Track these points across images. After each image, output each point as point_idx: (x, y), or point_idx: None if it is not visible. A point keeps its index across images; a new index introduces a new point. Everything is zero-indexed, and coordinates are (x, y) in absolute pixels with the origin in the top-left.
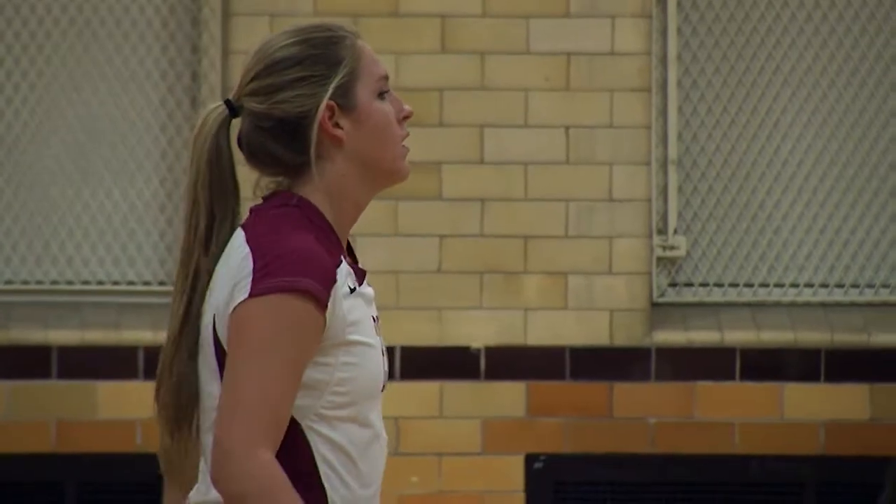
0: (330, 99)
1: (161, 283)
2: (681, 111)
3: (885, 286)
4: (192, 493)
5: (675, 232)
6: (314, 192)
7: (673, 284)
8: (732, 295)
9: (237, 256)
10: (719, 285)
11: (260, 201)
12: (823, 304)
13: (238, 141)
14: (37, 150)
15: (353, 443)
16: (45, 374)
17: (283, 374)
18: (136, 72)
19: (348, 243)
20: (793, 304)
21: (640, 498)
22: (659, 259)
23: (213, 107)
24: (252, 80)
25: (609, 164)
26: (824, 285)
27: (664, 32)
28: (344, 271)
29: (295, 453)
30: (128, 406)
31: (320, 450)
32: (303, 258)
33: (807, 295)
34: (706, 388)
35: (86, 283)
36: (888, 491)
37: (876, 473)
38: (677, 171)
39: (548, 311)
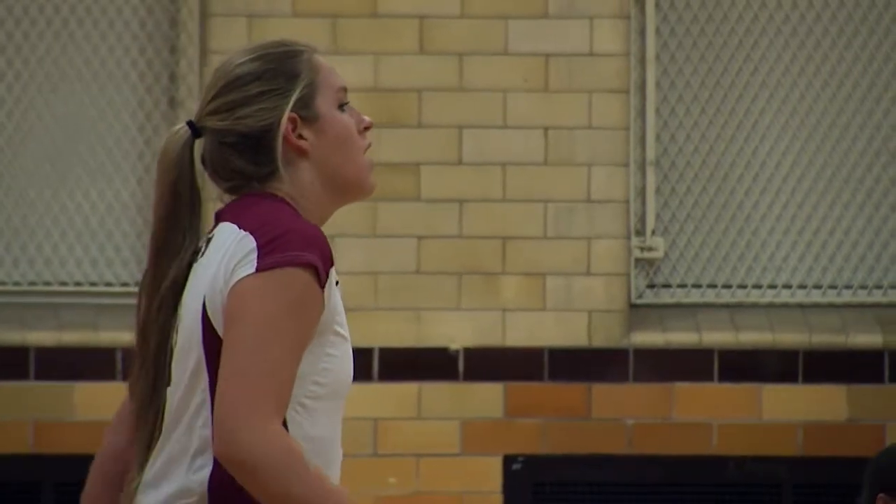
0: (291, 111)
1: (139, 285)
2: (659, 112)
3: (862, 287)
4: (148, 476)
5: (654, 233)
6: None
7: (651, 286)
8: (710, 296)
9: (231, 240)
10: (697, 286)
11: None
12: (801, 306)
13: (202, 159)
14: (14, 151)
15: (324, 439)
16: (22, 375)
17: (290, 348)
18: (113, 72)
19: None
20: (771, 306)
21: (618, 499)
22: (637, 260)
23: (176, 129)
24: (213, 98)
25: (587, 165)
26: (802, 286)
27: (642, 33)
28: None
29: None
30: (105, 407)
31: (299, 441)
32: (307, 237)
33: (785, 296)
34: (684, 389)
35: (63, 284)
36: (866, 492)
37: (854, 474)
38: (655, 172)
39: (526, 312)
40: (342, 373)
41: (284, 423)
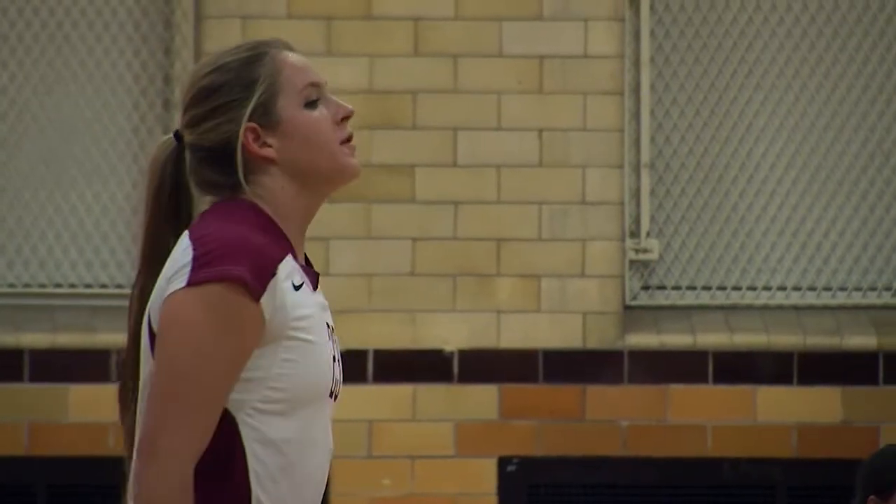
0: (250, 121)
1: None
2: (653, 114)
3: (857, 289)
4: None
5: (648, 235)
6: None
7: (646, 287)
8: (705, 298)
9: (179, 250)
10: (692, 288)
11: None
12: (796, 307)
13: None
14: (9, 153)
15: (290, 442)
16: (16, 377)
17: (214, 372)
18: (108, 74)
19: (305, 255)
20: (765, 307)
21: (613, 500)
22: (632, 262)
23: (164, 139)
24: (184, 111)
25: (582, 167)
26: (797, 288)
27: (637, 35)
28: (289, 266)
29: (224, 445)
30: (99, 409)
31: (252, 445)
32: (238, 248)
33: (779, 298)
34: (679, 391)
35: (58, 285)
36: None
37: (848, 476)
38: (650, 174)
39: (521, 314)
40: (307, 377)
41: (232, 430)
